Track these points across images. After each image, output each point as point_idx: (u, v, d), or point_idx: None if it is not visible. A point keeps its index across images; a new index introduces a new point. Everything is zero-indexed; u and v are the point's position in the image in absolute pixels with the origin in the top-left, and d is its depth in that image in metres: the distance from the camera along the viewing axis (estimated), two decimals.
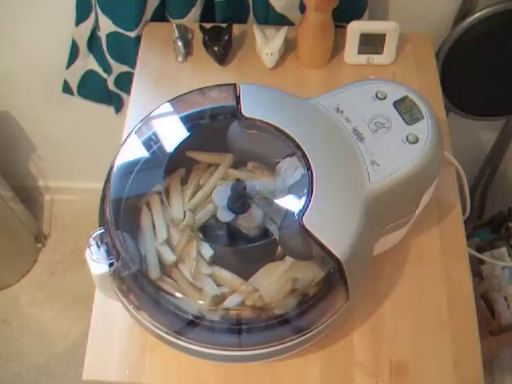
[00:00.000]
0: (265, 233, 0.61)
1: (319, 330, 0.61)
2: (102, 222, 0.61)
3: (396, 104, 0.63)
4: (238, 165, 0.66)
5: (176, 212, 0.62)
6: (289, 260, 0.59)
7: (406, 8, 1.00)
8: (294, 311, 0.58)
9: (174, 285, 0.58)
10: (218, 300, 0.58)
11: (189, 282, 0.58)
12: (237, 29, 0.94)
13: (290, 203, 0.60)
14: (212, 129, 0.68)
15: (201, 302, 0.58)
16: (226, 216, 0.60)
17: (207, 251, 0.60)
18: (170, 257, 0.59)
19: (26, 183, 1.61)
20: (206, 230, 0.62)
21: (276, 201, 0.62)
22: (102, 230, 0.58)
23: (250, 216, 0.60)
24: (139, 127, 0.66)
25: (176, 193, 0.64)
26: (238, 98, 0.63)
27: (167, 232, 0.61)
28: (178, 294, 0.57)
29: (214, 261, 0.60)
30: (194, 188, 0.65)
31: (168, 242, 0.60)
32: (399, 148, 0.60)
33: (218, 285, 0.59)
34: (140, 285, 0.59)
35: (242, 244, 0.62)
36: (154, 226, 0.62)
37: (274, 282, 0.58)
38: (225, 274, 0.59)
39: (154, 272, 0.58)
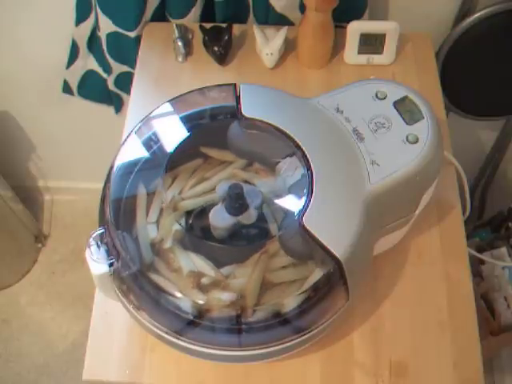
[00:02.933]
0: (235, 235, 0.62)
1: (319, 330, 0.61)
2: (102, 222, 0.61)
3: (396, 104, 0.63)
4: (244, 165, 0.67)
5: (169, 195, 0.63)
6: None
7: (406, 8, 1.00)
8: (294, 311, 0.58)
9: (161, 265, 0.59)
10: (195, 277, 0.58)
11: (168, 259, 0.59)
12: (237, 29, 0.94)
13: (290, 203, 0.60)
14: (212, 129, 0.68)
15: (179, 281, 0.58)
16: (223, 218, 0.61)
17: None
18: (153, 234, 0.60)
19: (26, 183, 1.61)
20: (192, 218, 0.63)
21: (276, 201, 0.62)
22: (102, 230, 0.58)
23: (247, 218, 0.61)
24: (139, 127, 0.66)
25: (181, 179, 0.65)
26: (238, 98, 0.63)
27: (159, 213, 0.62)
28: (161, 277, 0.58)
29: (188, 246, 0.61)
30: (198, 179, 0.65)
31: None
32: (399, 148, 0.60)
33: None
34: (140, 285, 0.59)
35: (211, 241, 0.62)
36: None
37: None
38: (195, 257, 0.60)
39: (145, 253, 0.59)
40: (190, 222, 0.63)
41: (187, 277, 0.58)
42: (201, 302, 0.57)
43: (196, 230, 0.64)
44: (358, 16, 0.94)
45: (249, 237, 0.62)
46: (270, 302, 0.58)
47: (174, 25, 0.93)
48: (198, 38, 0.94)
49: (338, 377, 0.66)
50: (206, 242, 0.61)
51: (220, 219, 0.61)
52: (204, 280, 0.58)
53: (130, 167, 0.64)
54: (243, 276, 0.58)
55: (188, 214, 0.64)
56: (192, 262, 0.59)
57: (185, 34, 0.94)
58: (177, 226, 0.61)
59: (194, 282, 0.58)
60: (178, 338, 0.59)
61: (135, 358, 0.67)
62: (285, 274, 0.59)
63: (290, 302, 0.58)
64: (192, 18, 0.95)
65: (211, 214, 0.61)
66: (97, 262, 0.57)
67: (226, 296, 0.57)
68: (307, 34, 0.88)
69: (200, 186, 0.65)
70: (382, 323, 0.69)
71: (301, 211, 0.56)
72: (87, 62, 1.10)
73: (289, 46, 0.92)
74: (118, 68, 1.05)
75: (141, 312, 0.60)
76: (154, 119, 0.67)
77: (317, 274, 0.58)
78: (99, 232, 0.58)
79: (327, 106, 0.63)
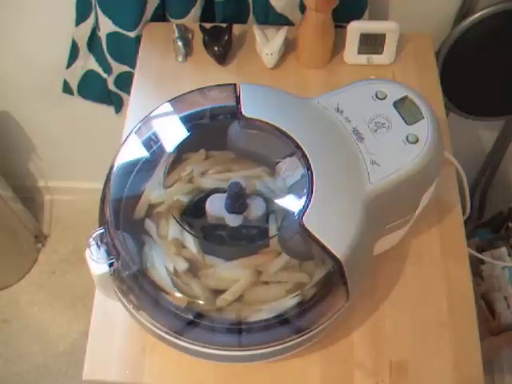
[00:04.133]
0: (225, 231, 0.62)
1: (319, 330, 0.61)
2: (102, 222, 0.61)
3: (396, 104, 0.63)
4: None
5: (190, 168, 0.64)
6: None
7: (406, 8, 1.00)
8: (294, 311, 0.58)
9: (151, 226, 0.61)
10: (177, 245, 0.59)
11: (160, 223, 0.60)
12: (237, 29, 0.94)
13: (290, 203, 0.60)
14: (212, 129, 0.68)
15: (163, 245, 0.60)
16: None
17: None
18: (155, 196, 0.62)
19: (26, 183, 1.61)
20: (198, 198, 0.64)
21: (276, 201, 0.62)
22: (102, 230, 0.58)
23: (232, 220, 0.61)
24: (139, 127, 0.66)
25: (212, 161, 0.66)
26: (238, 98, 0.63)
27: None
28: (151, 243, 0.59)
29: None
30: (225, 168, 0.66)
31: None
32: (399, 148, 0.60)
33: None
34: (140, 285, 0.59)
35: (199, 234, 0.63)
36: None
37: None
38: (187, 235, 0.60)
39: (140, 210, 0.61)
40: (194, 200, 0.63)
41: (171, 243, 0.59)
42: (182, 268, 0.58)
43: (195, 210, 0.64)
44: (358, 16, 0.94)
45: (248, 236, 0.62)
46: (267, 302, 0.58)
47: (174, 25, 0.93)
48: (197, 38, 0.94)
49: (337, 377, 0.66)
50: (200, 225, 0.62)
51: (214, 206, 0.61)
52: (184, 252, 0.59)
53: (130, 167, 0.64)
54: (229, 272, 0.59)
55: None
56: (180, 233, 0.60)
57: (185, 34, 0.93)
58: (180, 197, 0.62)
59: (177, 250, 0.59)
60: (178, 338, 0.59)
61: (135, 358, 0.67)
62: (284, 274, 0.59)
63: (289, 302, 0.58)
64: (192, 18, 0.95)
65: (210, 198, 0.61)
66: (97, 262, 0.57)
67: (198, 285, 0.58)
68: (307, 34, 0.88)
69: (224, 175, 0.65)
70: (382, 323, 0.69)
71: (301, 211, 0.56)
72: (87, 62, 1.10)
73: (289, 46, 0.92)
74: (117, 68, 1.05)
75: (141, 312, 0.60)
76: (154, 119, 0.67)
77: (317, 274, 0.58)
78: (99, 232, 0.58)
79: (327, 106, 0.63)
